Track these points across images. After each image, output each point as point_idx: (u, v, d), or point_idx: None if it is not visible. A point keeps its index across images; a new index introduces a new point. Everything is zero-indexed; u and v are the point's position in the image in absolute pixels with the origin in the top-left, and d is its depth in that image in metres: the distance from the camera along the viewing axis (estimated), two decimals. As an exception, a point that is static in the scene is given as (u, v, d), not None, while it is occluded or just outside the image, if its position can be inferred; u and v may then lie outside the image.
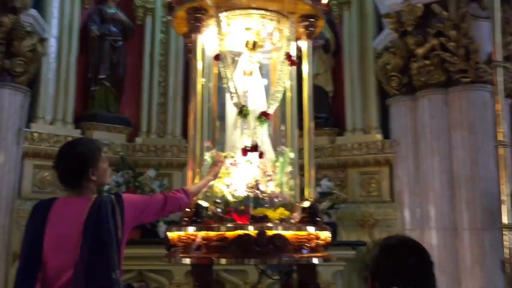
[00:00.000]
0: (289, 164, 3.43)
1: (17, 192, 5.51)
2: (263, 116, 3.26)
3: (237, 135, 3.44)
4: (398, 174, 6.11)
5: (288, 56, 3.37)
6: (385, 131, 6.40)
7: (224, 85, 3.36)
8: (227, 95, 3.45)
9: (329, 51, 6.86)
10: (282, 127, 3.68)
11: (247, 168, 3.28)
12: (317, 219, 3.22)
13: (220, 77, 3.52)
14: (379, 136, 6.39)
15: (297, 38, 3.58)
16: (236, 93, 3.27)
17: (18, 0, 5.35)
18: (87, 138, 3.82)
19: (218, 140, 3.68)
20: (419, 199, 5.79)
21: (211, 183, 3.20)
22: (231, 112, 3.51)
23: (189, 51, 3.72)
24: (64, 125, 6.12)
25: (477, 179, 5.33)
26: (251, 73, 3.60)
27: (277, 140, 3.65)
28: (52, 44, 6.15)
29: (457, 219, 5.39)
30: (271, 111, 3.31)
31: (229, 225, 3.03)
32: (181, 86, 6.95)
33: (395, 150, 6.16)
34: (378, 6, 6.46)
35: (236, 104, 3.27)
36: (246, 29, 3.58)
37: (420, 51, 5.78)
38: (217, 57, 3.40)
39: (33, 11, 5.59)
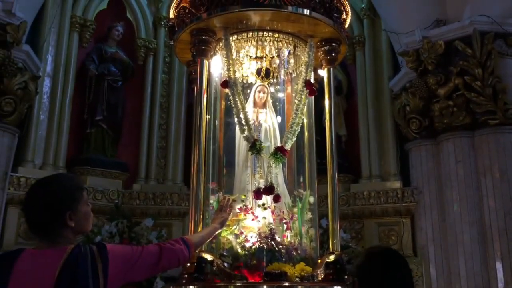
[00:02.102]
0: (309, 211, 2.89)
1: (-2, 242, 4.94)
2: (280, 152, 2.75)
3: (248, 175, 2.92)
4: (421, 226, 5.52)
5: (308, 84, 2.91)
6: (405, 178, 5.87)
7: (234, 116, 2.89)
8: (237, 128, 2.97)
9: (341, 93, 6.44)
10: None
11: (260, 214, 2.73)
12: (345, 276, 2.65)
13: (227, 111, 3.05)
14: (398, 184, 5.86)
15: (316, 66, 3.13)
16: (248, 125, 2.78)
17: (10, 34, 4.97)
18: (64, 174, 3.29)
19: (225, 182, 3.15)
20: (446, 254, 5.18)
21: (217, 232, 2.63)
22: (241, 148, 3.02)
23: (193, 81, 3.26)
24: (54, 170, 5.60)
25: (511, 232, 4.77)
26: (263, 105, 3.13)
27: (293, 182, 3.12)
28: (46, 82, 5.76)
29: (491, 278, 4.77)
30: (288, 146, 2.81)
31: (238, 283, 2.47)
32: (183, 129, 6.52)
33: (416, 199, 5.60)
34: (393, 45, 6.11)
35: (247, 138, 2.78)
36: (258, 56, 3.13)
37: (442, 91, 5.36)
38: (224, 84, 2.94)
39: (26, 47, 5.22)
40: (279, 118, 3.17)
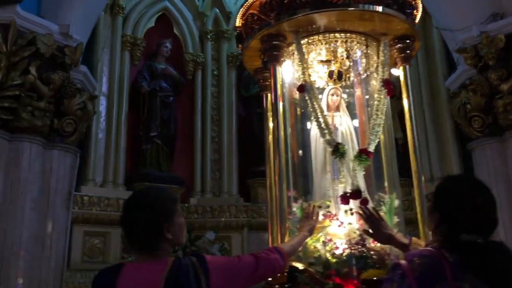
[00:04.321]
0: (395, 214, 2.78)
1: (66, 262, 4.97)
2: (364, 154, 2.66)
3: (328, 180, 2.83)
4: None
5: (386, 83, 2.81)
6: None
7: (306, 122, 2.82)
8: (311, 134, 2.89)
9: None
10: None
11: (345, 220, 2.64)
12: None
13: (298, 117, 2.98)
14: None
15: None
16: (328, 128, 2.70)
17: (68, 56, 5.06)
18: (158, 187, 3.33)
19: (303, 189, 3.07)
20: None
21: (306, 240, 2.56)
22: (317, 153, 2.94)
23: (262, 88, 3.22)
24: (115, 187, 5.67)
25: None
26: (337, 108, 3.05)
27: (372, 186, 3.01)
28: (102, 102, 5.84)
29: None
30: (371, 148, 2.71)
31: (333, 292, 2.37)
32: (236, 140, 6.52)
33: (484, 200, 5.36)
34: (447, 42, 5.92)
35: (329, 142, 2.70)
36: (328, 58, 3.06)
37: (505, 86, 5.12)
38: (301, 88, 2.87)
39: (83, 68, 5.29)
40: (355, 122, 3.07)
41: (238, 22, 3.13)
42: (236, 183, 6.35)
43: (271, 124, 3.14)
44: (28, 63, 4.73)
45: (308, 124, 3.06)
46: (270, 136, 3.12)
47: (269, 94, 3.30)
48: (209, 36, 6.80)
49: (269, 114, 3.22)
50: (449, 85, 5.89)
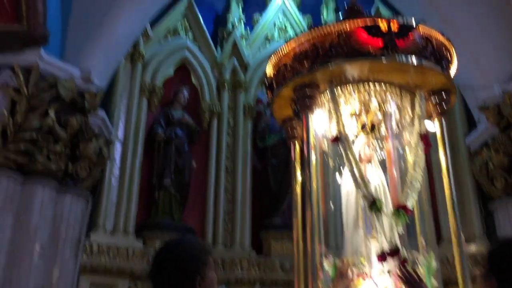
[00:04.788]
0: (433, 276, 2.61)
1: (70, 315, 4.74)
2: (402, 210, 2.52)
3: (360, 236, 2.68)
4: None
5: (424, 138, 2.72)
6: (491, 240, 5.44)
7: (335, 175, 2.71)
8: (342, 188, 2.77)
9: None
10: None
11: (382, 281, 2.47)
12: None
13: (327, 169, 2.87)
14: (483, 246, 5.42)
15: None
16: (364, 181, 2.58)
17: (88, 101, 5.03)
18: (190, 238, 3.15)
19: (332, 244, 2.91)
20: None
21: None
22: (348, 207, 2.81)
23: (289, 139, 3.12)
24: (125, 236, 5.48)
25: None
26: (369, 160, 2.93)
27: (405, 244, 2.85)
28: (117, 147, 5.76)
29: None
30: (410, 204, 2.58)
31: None
32: (250, 192, 6.37)
33: (508, 263, 5.13)
34: (467, 100, 5.89)
35: (365, 196, 2.57)
36: (361, 109, 2.99)
37: (528, 146, 5.05)
38: (335, 139, 2.77)
39: (101, 113, 5.26)
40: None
41: (270, 71, 3.08)
42: (249, 235, 6.16)
43: (299, 175, 3.03)
44: (47, 106, 4.70)
45: (338, 177, 2.93)
46: (298, 187, 2.99)
47: (297, 144, 3.20)
48: (226, 86, 6.81)
49: (297, 164, 3.11)
50: (470, 143, 5.80)
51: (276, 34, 7.33)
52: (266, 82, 3.16)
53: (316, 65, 2.76)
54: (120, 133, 5.86)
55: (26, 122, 4.58)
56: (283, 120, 3.27)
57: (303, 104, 2.85)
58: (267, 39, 7.29)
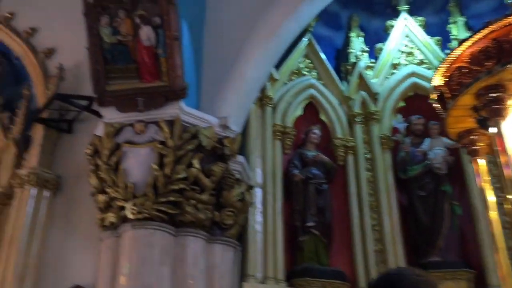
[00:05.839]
0: None
1: None
2: None
3: None
4: None
5: None
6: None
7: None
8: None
9: None
10: None
11: None
12: None
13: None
14: None
15: None
16: None
17: (228, 147, 5.02)
18: (412, 270, 2.74)
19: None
20: None
21: None
22: None
23: (470, 153, 2.71)
24: (276, 284, 5.25)
25: None
26: None
27: None
28: (257, 192, 5.65)
29: None
30: None
31: None
32: (398, 227, 5.89)
33: None
34: None
35: None
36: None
37: None
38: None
39: (241, 158, 5.21)
40: None
41: (440, 81, 2.75)
42: (405, 276, 5.59)
43: (492, 197, 2.58)
44: (192, 156, 4.74)
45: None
46: (493, 213, 2.54)
47: (478, 160, 2.78)
48: (357, 120, 6.51)
49: (486, 184, 2.68)
50: None
51: (402, 60, 6.96)
52: (435, 95, 2.82)
53: (502, 62, 2.38)
54: (258, 177, 5.77)
55: (174, 174, 4.64)
56: (459, 134, 2.88)
57: (491, 110, 2.46)
58: (394, 66, 6.94)
